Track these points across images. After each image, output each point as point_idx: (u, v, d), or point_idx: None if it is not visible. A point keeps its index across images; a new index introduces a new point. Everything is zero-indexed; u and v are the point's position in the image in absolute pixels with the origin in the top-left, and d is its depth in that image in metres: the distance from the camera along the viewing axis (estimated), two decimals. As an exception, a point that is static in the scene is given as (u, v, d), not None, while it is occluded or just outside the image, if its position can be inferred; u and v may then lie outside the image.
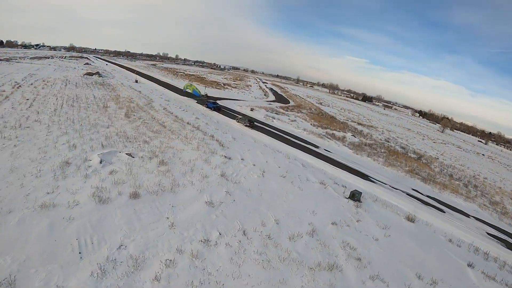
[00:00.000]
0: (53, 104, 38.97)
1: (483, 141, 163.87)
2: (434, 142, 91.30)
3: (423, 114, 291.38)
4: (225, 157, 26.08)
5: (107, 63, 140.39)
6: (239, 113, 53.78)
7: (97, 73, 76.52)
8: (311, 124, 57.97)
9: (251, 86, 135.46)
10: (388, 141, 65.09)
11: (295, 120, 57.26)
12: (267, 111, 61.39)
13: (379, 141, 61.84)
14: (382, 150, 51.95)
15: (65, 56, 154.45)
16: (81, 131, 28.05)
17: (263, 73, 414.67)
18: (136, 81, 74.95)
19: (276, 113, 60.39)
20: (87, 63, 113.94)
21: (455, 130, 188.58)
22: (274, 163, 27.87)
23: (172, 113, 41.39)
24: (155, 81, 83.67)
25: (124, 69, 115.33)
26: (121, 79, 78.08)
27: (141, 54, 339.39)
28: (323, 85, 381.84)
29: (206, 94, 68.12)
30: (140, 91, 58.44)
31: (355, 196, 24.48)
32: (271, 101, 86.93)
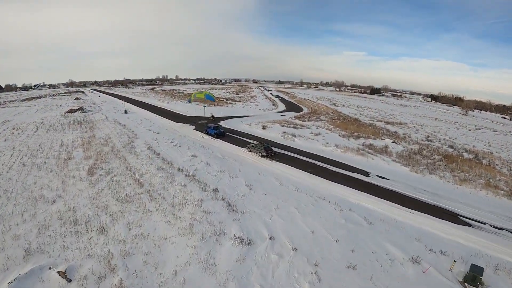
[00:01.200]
0: (1, 165, 28.70)
1: (507, 117, 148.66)
2: (469, 130, 78.18)
3: (434, 97, 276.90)
4: (241, 240, 14.92)
5: (100, 94, 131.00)
6: (249, 136, 43.01)
7: (81, 108, 66.81)
8: (339, 135, 46.56)
9: (256, 96, 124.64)
10: (430, 140, 53.18)
11: (319, 133, 45.93)
12: (282, 126, 50.37)
13: (422, 142, 50.08)
14: (437, 157, 40.27)
15: (59, 94, 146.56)
16: (10, 218, 17.47)
17: (264, 81, 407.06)
18: (125, 112, 65.08)
19: (294, 127, 49.31)
20: (78, 98, 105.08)
21: (475, 110, 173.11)
22: (324, 232, 16.57)
23: (158, 154, 30.68)
24: (148, 108, 73.56)
25: (117, 99, 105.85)
26: (108, 111, 68.32)
27: (141, 80, 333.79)
28: (327, 84, 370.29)
29: (212, 116, 58.02)
30: (125, 125, 48.16)
31: (476, 279, 13.39)
32: (282, 112, 75.90)
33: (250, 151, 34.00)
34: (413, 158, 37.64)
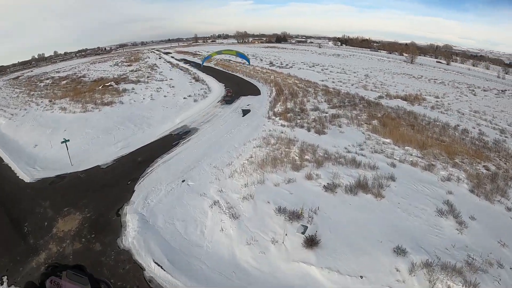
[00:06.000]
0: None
1: (443, 61, 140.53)
2: (473, 94, 55.73)
3: (342, 41, 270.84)
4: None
5: None
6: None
7: None
8: (473, 191, 16.37)
9: (158, 67, 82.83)
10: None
11: (447, 212, 14.76)
12: (326, 188, 17.09)
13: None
14: None
15: None
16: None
17: (152, 42, 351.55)
18: None
19: (356, 194, 16.77)
20: None
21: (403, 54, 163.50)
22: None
23: None
24: None
25: None
26: None
27: (14, 65, 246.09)
28: (220, 37, 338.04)
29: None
30: None
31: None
32: (232, 99, 40.75)
33: None
34: None
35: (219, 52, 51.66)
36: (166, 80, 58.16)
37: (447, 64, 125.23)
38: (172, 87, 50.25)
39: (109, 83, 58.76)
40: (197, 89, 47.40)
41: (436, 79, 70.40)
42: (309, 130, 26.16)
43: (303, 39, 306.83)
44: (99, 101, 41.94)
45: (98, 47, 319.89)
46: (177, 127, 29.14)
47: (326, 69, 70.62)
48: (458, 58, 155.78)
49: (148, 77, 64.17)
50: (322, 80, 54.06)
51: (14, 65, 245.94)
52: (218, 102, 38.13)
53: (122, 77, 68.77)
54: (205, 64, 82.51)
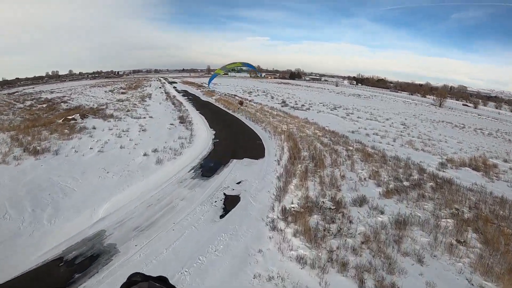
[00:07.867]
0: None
1: (469, 104, 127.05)
2: None
3: (358, 80, 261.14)
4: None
5: None
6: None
7: None
8: None
9: (150, 98, 70.52)
10: None
11: None
12: None
13: None
14: None
15: None
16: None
17: (167, 70, 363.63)
18: None
19: None
20: None
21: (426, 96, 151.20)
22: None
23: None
24: None
25: None
26: None
27: (28, 79, 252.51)
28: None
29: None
30: None
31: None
32: (209, 170, 26.45)
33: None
34: None
35: (223, 68, 45.13)
36: (145, 117, 44.59)
37: (475, 108, 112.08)
38: (144, 130, 36.17)
39: (73, 116, 45.98)
40: (175, 137, 33.01)
41: (482, 129, 56.06)
42: (362, 283, 10.80)
43: (317, 77, 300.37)
44: (33, 145, 27.73)
45: (112, 71, 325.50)
46: (88, 233, 14.08)
47: (352, 114, 56.31)
48: (480, 101, 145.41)
49: (128, 110, 51.28)
50: (352, 132, 39.46)
51: (27, 79, 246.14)
52: (192, 169, 23.17)
53: (100, 107, 56.83)
54: (204, 99, 70.19)
